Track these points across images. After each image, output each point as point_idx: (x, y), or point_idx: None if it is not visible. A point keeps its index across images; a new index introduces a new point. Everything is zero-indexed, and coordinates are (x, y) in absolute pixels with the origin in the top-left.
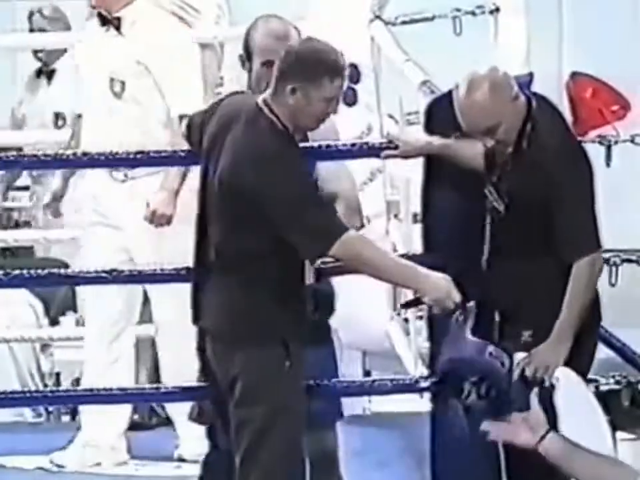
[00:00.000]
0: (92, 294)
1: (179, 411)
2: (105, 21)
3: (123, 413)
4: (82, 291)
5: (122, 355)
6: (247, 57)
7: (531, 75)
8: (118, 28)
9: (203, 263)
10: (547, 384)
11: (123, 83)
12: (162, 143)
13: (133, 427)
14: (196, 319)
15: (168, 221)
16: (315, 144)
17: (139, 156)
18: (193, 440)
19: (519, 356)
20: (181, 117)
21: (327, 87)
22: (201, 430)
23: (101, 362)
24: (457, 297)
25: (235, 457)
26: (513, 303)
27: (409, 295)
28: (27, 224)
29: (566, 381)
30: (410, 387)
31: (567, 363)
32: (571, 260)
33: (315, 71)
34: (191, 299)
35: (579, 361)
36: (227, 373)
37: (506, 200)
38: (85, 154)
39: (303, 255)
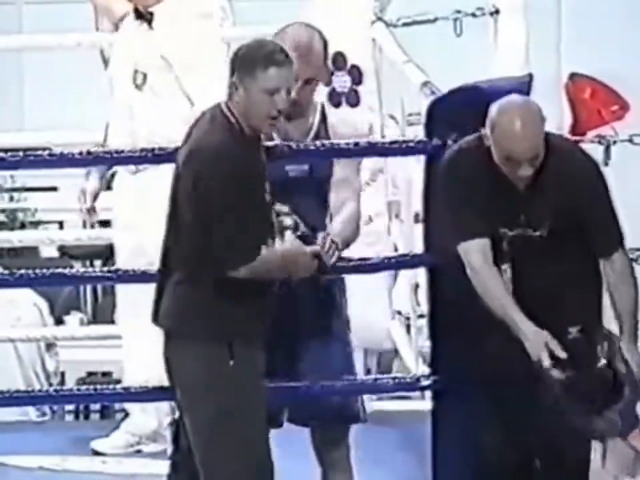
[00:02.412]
0: (129, 291)
1: None
2: (139, 15)
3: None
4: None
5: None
6: None
7: (530, 76)
8: (150, 22)
9: (164, 263)
10: None
11: (144, 75)
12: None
13: None
14: (154, 319)
15: None
16: (318, 143)
17: (143, 153)
18: None
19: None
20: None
21: (261, 77)
22: None
23: (139, 360)
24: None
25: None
26: (554, 305)
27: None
28: (32, 224)
29: None
30: (411, 386)
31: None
32: (607, 254)
33: (248, 62)
34: (153, 301)
35: None
36: (175, 373)
37: (546, 223)
38: (89, 152)
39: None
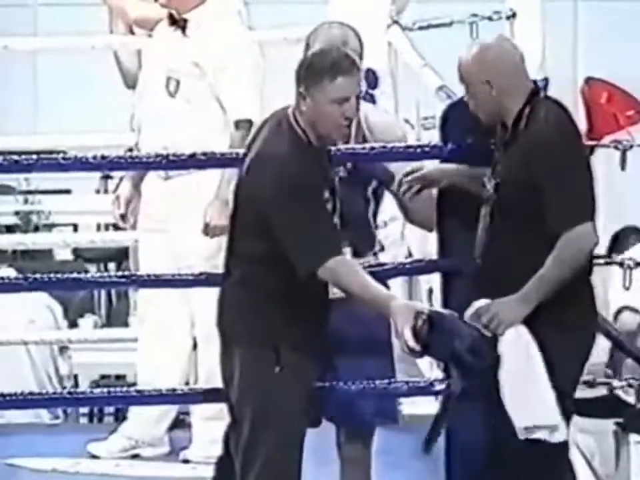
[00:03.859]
0: (148, 296)
1: (197, 412)
2: (173, 20)
3: (168, 409)
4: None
5: (175, 357)
6: None
7: (546, 79)
8: (184, 29)
9: (226, 267)
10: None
11: (177, 82)
12: (211, 147)
13: None
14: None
15: (222, 231)
16: (333, 147)
17: (158, 159)
18: (204, 443)
19: (480, 302)
20: (237, 123)
21: (329, 88)
22: (214, 433)
23: (154, 363)
24: (407, 335)
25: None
26: (507, 287)
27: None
28: (46, 227)
29: (515, 334)
30: (425, 390)
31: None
32: (557, 231)
33: (314, 72)
34: (217, 304)
35: (572, 359)
36: (225, 374)
37: (496, 180)
38: (102, 156)
39: (296, 270)
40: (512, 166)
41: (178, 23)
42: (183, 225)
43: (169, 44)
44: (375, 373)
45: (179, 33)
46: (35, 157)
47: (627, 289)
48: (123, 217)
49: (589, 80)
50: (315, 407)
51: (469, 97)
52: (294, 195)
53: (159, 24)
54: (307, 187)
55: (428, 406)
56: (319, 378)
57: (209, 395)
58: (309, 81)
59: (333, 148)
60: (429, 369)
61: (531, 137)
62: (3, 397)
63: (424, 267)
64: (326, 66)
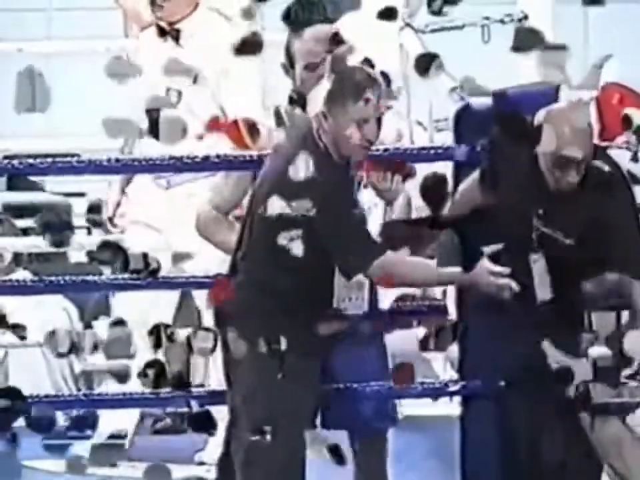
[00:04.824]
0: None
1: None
2: (163, 32)
3: None
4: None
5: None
6: (289, 63)
7: (557, 86)
8: (177, 39)
9: (232, 267)
10: None
11: (179, 93)
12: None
13: (165, 430)
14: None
15: None
16: None
17: (171, 161)
18: (219, 445)
19: None
20: None
21: (350, 109)
22: None
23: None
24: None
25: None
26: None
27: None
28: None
29: None
30: (439, 391)
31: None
32: (634, 276)
33: (337, 93)
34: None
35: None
36: (228, 375)
37: (576, 232)
38: (117, 159)
39: (342, 274)
40: (590, 215)
41: (169, 33)
42: (184, 229)
43: (162, 54)
44: (370, 373)
45: (171, 44)
46: (49, 160)
47: None
48: (111, 220)
49: None
50: (316, 409)
51: (577, 169)
52: (330, 205)
53: (144, 32)
54: (341, 197)
55: (442, 407)
56: (320, 381)
57: (222, 397)
58: (331, 101)
59: None
60: (443, 370)
61: (601, 188)
62: None
63: None
64: (349, 87)
